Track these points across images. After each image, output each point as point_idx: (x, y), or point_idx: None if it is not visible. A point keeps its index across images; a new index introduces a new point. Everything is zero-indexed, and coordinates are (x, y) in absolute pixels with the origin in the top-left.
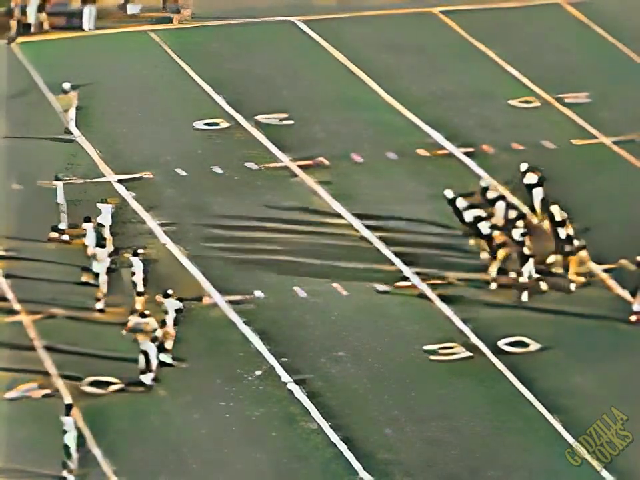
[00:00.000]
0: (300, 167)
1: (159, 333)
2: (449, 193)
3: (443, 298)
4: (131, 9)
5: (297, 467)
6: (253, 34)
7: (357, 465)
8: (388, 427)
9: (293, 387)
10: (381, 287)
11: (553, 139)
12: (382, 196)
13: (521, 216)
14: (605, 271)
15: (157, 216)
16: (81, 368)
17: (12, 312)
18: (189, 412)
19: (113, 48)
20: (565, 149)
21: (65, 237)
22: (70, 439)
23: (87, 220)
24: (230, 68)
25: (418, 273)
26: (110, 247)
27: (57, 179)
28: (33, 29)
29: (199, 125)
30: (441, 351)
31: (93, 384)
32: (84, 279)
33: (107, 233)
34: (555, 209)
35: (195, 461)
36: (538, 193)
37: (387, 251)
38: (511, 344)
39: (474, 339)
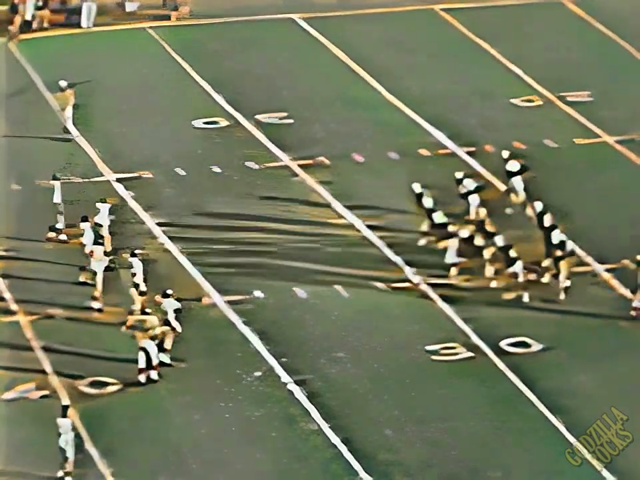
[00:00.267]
0: (300, 166)
1: (158, 330)
2: (417, 187)
3: (445, 298)
4: (129, 6)
5: (297, 467)
6: (253, 32)
7: (357, 466)
8: (388, 427)
9: (292, 387)
10: (381, 287)
11: (555, 137)
12: (383, 196)
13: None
14: (608, 270)
15: (156, 216)
16: (78, 368)
17: (9, 312)
18: (188, 412)
19: (111, 45)
20: (567, 148)
21: (63, 237)
22: (65, 441)
23: (84, 219)
24: (229, 66)
25: (419, 273)
26: (108, 247)
27: (55, 178)
28: (35, 25)
29: (198, 123)
30: (442, 351)
31: (91, 384)
32: (82, 278)
33: (105, 232)
34: (546, 216)
35: (194, 462)
36: (518, 181)
37: (388, 251)
38: (513, 344)
39: (475, 339)
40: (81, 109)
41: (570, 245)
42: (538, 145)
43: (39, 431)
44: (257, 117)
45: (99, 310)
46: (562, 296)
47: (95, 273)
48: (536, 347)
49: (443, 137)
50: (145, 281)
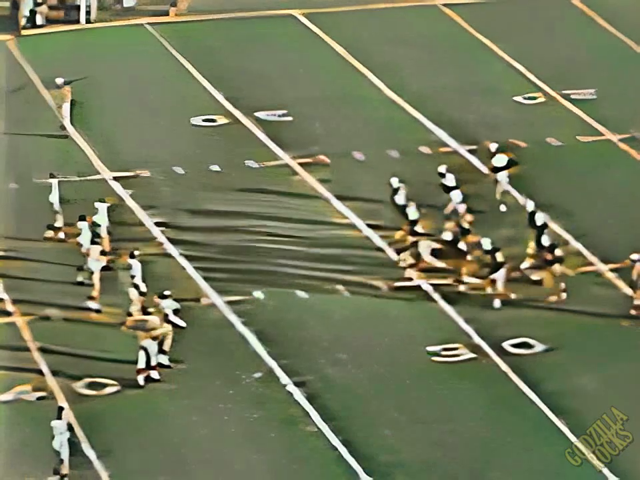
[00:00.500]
0: (300, 164)
1: (160, 331)
2: (394, 182)
3: (446, 298)
4: (127, 2)
5: (297, 469)
6: (253, 28)
7: (357, 468)
8: (389, 428)
9: (292, 388)
10: (382, 287)
11: (558, 135)
12: (384, 194)
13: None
14: (612, 270)
15: (154, 215)
16: (76, 369)
17: (6, 313)
18: (187, 414)
19: (109, 42)
20: (570, 146)
21: (61, 235)
22: (60, 443)
23: (82, 218)
24: (228, 63)
25: (421, 273)
26: (107, 247)
27: (52, 176)
28: (40, 21)
29: (197, 121)
30: (443, 352)
31: (88, 386)
32: (79, 278)
33: (103, 232)
34: (538, 214)
35: (192, 464)
36: (502, 177)
37: (389, 251)
38: (516, 345)
39: (477, 340)
40: (78, 107)
41: (559, 252)
42: (540, 142)
43: (36, 432)
44: (256, 114)
45: (97, 311)
46: (553, 299)
47: (92, 273)
48: (539, 347)
49: (445, 135)
50: (143, 281)
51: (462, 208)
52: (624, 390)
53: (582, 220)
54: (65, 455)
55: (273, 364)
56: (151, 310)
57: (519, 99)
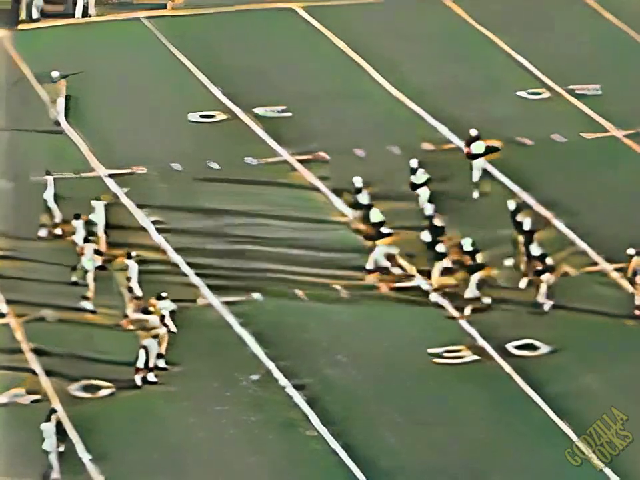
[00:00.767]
0: (299, 161)
1: (159, 331)
2: (358, 181)
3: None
4: None
5: (296, 474)
6: (251, 22)
7: (358, 473)
8: (390, 432)
9: (291, 391)
10: (383, 288)
11: (562, 131)
12: (385, 192)
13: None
14: (617, 269)
15: (150, 213)
16: (71, 371)
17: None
18: (184, 416)
19: (105, 36)
20: (574, 142)
21: (58, 232)
22: (50, 445)
23: (77, 217)
24: (227, 57)
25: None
26: (102, 246)
27: (48, 174)
28: (35, 15)
29: (195, 117)
30: (446, 354)
31: (84, 388)
32: (74, 278)
33: (100, 231)
34: (525, 219)
35: (190, 467)
36: (479, 164)
37: (390, 250)
38: (520, 347)
39: (481, 342)
40: (73, 102)
41: (550, 260)
42: (545, 139)
43: (29, 436)
44: (255, 110)
45: (92, 311)
46: (547, 308)
47: (86, 272)
48: (544, 349)
49: (447, 131)
50: (139, 282)
51: (430, 208)
52: (627, 389)
53: (587, 218)
54: (54, 458)
55: (271, 366)
56: (151, 309)
57: (522, 94)
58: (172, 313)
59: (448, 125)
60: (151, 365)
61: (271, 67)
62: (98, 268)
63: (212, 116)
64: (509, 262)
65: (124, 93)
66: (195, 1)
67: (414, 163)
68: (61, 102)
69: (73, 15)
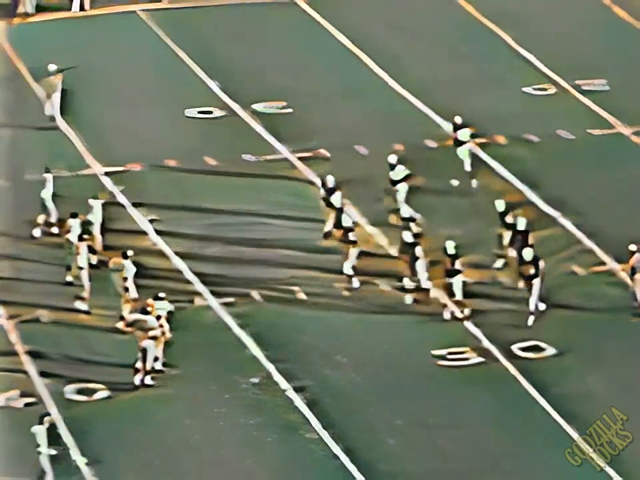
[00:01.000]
0: (300, 159)
1: (157, 332)
2: (330, 181)
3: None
4: None
5: (296, 478)
6: (251, 15)
7: (358, 477)
8: (392, 436)
9: (291, 394)
10: (385, 287)
11: (568, 128)
12: (387, 190)
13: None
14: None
15: (146, 212)
16: (66, 373)
17: None
18: (181, 420)
19: (100, 30)
20: (581, 139)
21: (54, 230)
22: (41, 449)
23: (74, 216)
24: (225, 52)
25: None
26: (98, 245)
27: (47, 171)
28: (30, 10)
29: (192, 113)
30: (449, 356)
31: (78, 391)
32: (68, 278)
33: (96, 230)
34: (519, 219)
35: (186, 472)
36: (465, 152)
37: (392, 250)
38: (526, 348)
39: (486, 343)
40: (68, 98)
41: (542, 264)
42: (550, 135)
43: (26, 438)
44: (254, 106)
45: (87, 312)
46: (530, 321)
47: (81, 269)
48: (550, 351)
49: (451, 128)
50: (135, 282)
51: (406, 210)
52: (631, 389)
53: (594, 217)
54: (46, 462)
55: (271, 368)
56: (149, 309)
57: (528, 90)
58: (169, 314)
59: (452, 122)
60: (147, 367)
61: (271, 61)
62: (93, 267)
63: (210, 112)
64: (498, 264)
65: (119, 88)
66: None
67: (392, 159)
68: (56, 97)
69: (69, 9)
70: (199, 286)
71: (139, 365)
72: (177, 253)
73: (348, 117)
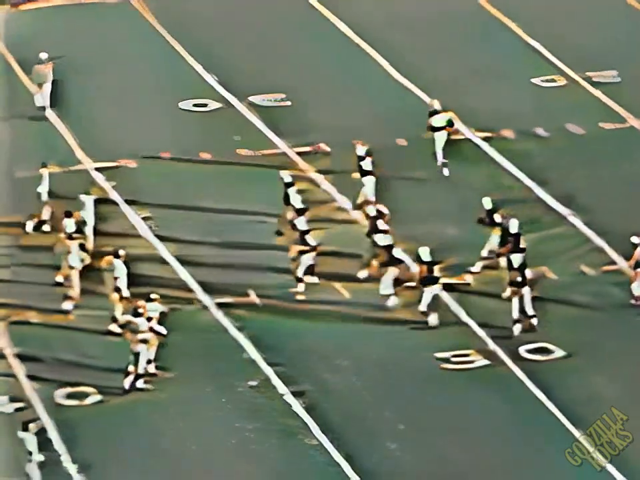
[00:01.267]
0: (298, 153)
1: (148, 335)
2: (287, 178)
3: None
4: None
5: None
6: (250, 4)
7: None
8: (393, 441)
9: (290, 398)
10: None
11: (579, 121)
12: (390, 187)
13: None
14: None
15: (140, 209)
16: (56, 377)
17: None
18: (176, 424)
19: (91, 18)
20: (592, 133)
21: (46, 228)
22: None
23: (69, 215)
24: (222, 42)
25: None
26: (89, 244)
27: (44, 166)
28: None
29: (187, 105)
30: (453, 359)
31: (69, 396)
32: (59, 278)
33: (89, 229)
34: (512, 221)
35: (181, 477)
36: (441, 137)
37: (394, 250)
38: (533, 351)
39: (492, 346)
40: (58, 89)
41: (529, 273)
42: (560, 129)
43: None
44: (251, 98)
45: (67, 312)
46: (517, 331)
47: (71, 268)
48: (558, 353)
49: (457, 122)
50: (128, 282)
51: (372, 209)
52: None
53: (605, 215)
54: (34, 468)
55: (269, 372)
56: (140, 311)
57: (537, 81)
58: (162, 315)
59: (458, 116)
60: (140, 370)
61: (269, 52)
62: (84, 267)
63: (205, 104)
64: (475, 268)
65: (111, 79)
66: None
67: (360, 150)
68: (47, 87)
69: None
70: (194, 286)
71: (130, 368)
72: (171, 253)
73: (350, 111)
